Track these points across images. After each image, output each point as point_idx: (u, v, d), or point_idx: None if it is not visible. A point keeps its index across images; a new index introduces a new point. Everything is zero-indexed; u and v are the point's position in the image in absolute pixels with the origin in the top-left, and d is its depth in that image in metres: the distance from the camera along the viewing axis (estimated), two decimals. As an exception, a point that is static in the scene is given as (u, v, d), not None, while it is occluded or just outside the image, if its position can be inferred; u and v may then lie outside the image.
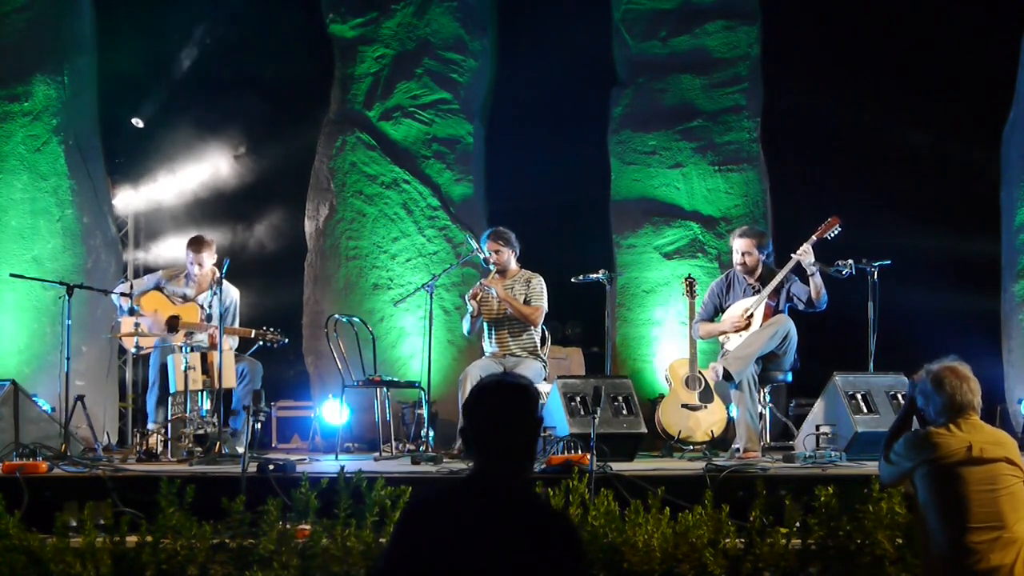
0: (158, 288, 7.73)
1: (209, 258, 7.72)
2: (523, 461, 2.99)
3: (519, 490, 2.94)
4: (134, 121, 9.76)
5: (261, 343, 7.53)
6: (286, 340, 7.64)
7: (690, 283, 7.62)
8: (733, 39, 9.13)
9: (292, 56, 9.72)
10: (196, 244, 7.76)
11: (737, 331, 7.13)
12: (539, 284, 7.61)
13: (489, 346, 7.68)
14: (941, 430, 4.09)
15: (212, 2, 9.71)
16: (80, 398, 7.09)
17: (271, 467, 5.71)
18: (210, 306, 7.54)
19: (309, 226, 9.33)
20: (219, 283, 7.30)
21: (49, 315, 8.45)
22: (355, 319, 8.04)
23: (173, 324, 7.53)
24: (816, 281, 6.97)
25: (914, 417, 4.38)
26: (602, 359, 8.16)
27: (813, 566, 4.95)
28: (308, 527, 5.07)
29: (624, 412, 6.83)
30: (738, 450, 6.84)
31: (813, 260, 6.95)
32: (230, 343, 7.53)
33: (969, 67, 8.98)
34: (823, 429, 6.70)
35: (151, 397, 7.57)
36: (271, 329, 7.53)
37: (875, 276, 7.11)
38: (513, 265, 7.69)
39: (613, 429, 6.66)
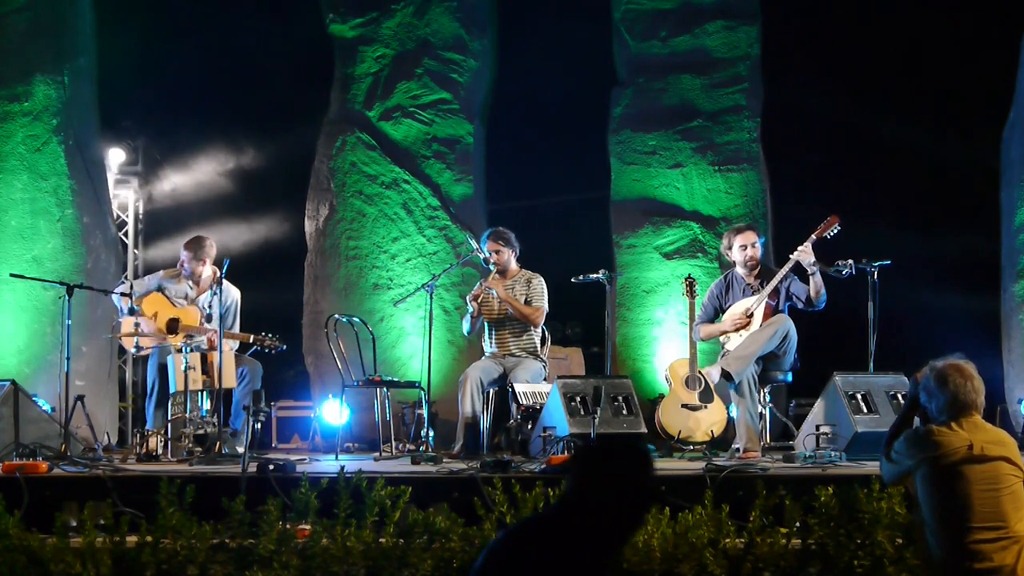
0: (159, 289, 7.72)
1: (210, 259, 7.70)
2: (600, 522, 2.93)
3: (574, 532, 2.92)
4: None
5: (259, 349, 7.52)
6: (284, 347, 7.61)
7: (690, 283, 7.61)
8: (733, 39, 9.14)
9: (292, 56, 9.72)
10: (196, 246, 7.73)
11: (737, 331, 7.13)
12: (540, 284, 7.61)
13: (489, 346, 7.68)
14: (943, 428, 4.07)
15: (211, 2, 9.71)
16: (80, 398, 7.08)
17: (271, 467, 5.71)
18: (210, 306, 7.53)
19: (309, 226, 9.34)
20: (219, 283, 7.30)
21: (49, 315, 8.45)
22: (355, 319, 8.03)
23: (172, 326, 7.52)
24: (816, 280, 6.98)
25: (916, 415, 4.36)
26: (602, 359, 8.16)
27: (813, 566, 4.95)
28: (308, 527, 5.07)
29: (624, 412, 6.83)
30: (738, 450, 6.84)
31: (813, 260, 6.96)
32: (230, 343, 7.53)
33: (969, 67, 8.98)
34: (823, 429, 6.69)
35: (150, 403, 7.53)
36: (270, 335, 7.48)
37: (875, 276, 7.10)
38: (513, 265, 7.69)
39: (613, 429, 6.65)
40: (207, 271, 7.71)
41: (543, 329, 7.69)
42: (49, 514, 5.20)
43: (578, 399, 6.76)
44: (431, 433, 7.39)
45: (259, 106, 9.85)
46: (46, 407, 7.57)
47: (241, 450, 6.64)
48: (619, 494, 2.90)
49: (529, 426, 7.11)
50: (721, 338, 7.30)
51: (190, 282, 7.77)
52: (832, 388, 6.84)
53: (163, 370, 7.34)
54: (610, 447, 3.02)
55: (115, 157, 9.84)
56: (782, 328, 6.97)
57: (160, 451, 6.98)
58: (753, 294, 7.24)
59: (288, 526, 5.05)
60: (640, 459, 2.97)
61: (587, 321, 9.12)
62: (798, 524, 5.03)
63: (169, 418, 7.15)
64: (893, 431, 4.33)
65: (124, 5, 9.50)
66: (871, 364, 7.04)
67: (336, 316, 7.87)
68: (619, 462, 2.95)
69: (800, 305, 7.15)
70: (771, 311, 7.11)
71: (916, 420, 4.38)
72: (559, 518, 2.94)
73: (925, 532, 4.09)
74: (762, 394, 7.09)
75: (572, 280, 7.68)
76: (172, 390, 7.18)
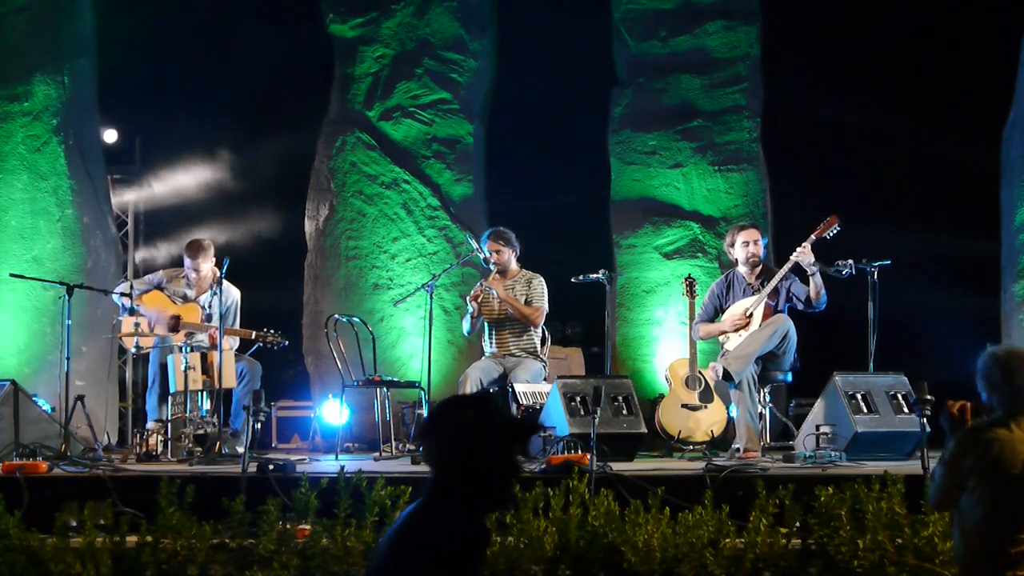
0: (159, 288, 7.73)
1: (206, 262, 7.69)
2: (446, 473, 2.83)
3: (432, 499, 2.84)
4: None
5: (261, 345, 7.53)
6: (286, 343, 7.62)
7: (690, 283, 7.62)
8: (733, 39, 9.13)
9: (292, 56, 9.72)
10: (193, 249, 7.73)
11: (737, 331, 7.13)
12: (540, 285, 7.62)
13: (489, 346, 7.68)
14: (1001, 431, 3.77)
15: (211, 2, 9.71)
16: (80, 398, 7.09)
17: (271, 467, 5.71)
18: (210, 306, 7.54)
19: (309, 226, 9.33)
20: (219, 283, 7.30)
21: (49, 315, 8.46)
22: (355, 319, 8.04)
23: (174, 324, 7.53)
24: (816, 281, 6.98)
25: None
26: (602, 359, 8.16)
27: (813, 566, 4.95)
28: (308, 527, 5.07)
29: (624, 412, 6.82)
30: (738, 450, 6.84)
31: (813, 260, 6.96)
32: (230, 343, 7.53)
33: (969, 67, 8.99)
34: (823, 429, 6.69)
35: (151, 396, 7.56)
36: (272, 331, 7.50)
37: (875, 276, 7.10)
38: (513, 265, 7.69)
39: (613, 429, 6.65)
40: (206, 273, 7.71)
41: (543, 329, 7.68)
42: (49, 514, 5.20)
43: (578, 399, 6.75)
44: (431, 433, 7.37)
45: (259, 106, 9.84)
46: (46, 407, 7.56)
47: (241, 450, 6.64)
48: (477, 445, 2.82)
49: (529, 426, 7.09)
50: (721, 338, 7.30)
51: (190, 283, 7.77)
52: (832, 388, 6.84)
53: (164, 367, 7.35)
54: (445, 410, 2.95)
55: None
56: (782, 328, 6.97)
57: (160, 451, 6.98)
58: (754, 294, 7.24)
59: (288, 526, 5.05)
60: (481, 403, 2.92)
61: (587, 321, 9.13)
62: (798, 524, 5.03)
63: (169, 418, 7.15)
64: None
65: (124, 5, 9.50)
66: (871, 364, 7.03)
67: (336, 316, 7.87)
68: (462, 418, 2.87)
69: (801, 306, 7.15)
70: (771, 311, 7.12)
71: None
72: (434, 496, 2.85)
73: (967, 530, 3.84)
74: (762, 394, 7.09)
75: (572, 280, 7.68)
76: (172, 390, 7.18)
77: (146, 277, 8.00)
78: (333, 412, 7.84)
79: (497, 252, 7.59)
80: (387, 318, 8.95)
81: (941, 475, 3.86)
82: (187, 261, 7.73)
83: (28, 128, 8.77)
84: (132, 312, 7.42)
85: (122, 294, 7.56)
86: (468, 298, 7.61)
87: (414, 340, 8.85)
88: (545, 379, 7.49)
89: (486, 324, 7.66)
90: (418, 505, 2.85)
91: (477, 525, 2.82)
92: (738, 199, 9.02)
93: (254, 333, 7.50)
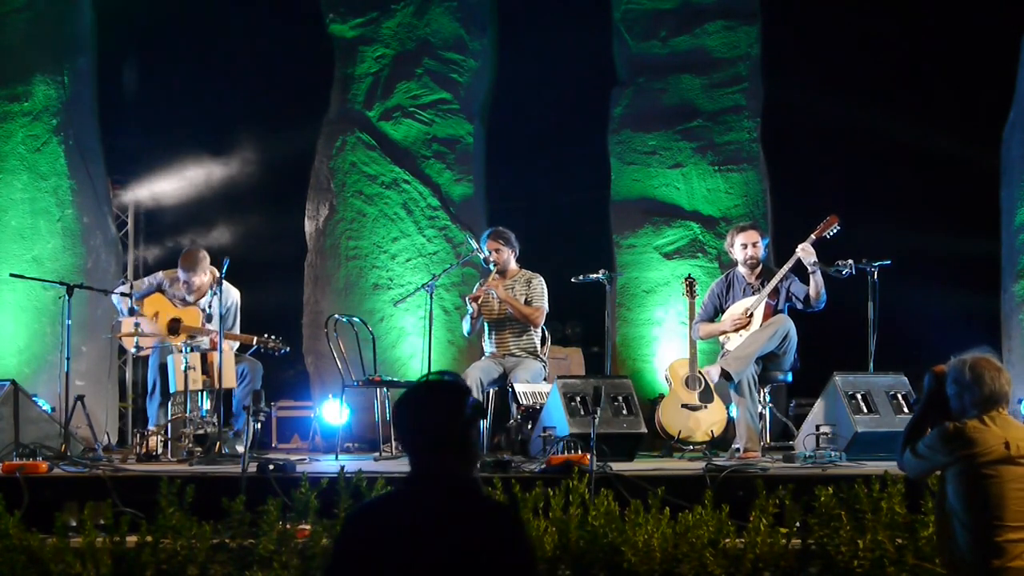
0: (160, 289, 7.71)
1: (202, 275, 7.58)
2: (458, 459, 2.91)
3: (459, 486, 2.89)
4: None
5: (262, 350, 7.51)
6: (287, 348, 7.58)
7: (690, 283, 7.62)
8: (733, 39, 9.13)
9: (292, 56, 9.72)
10: (189, 262, 7.59)
11: (737, 330, 7.14)
12: (540, 285, 7.62)
13: (489, 346, 7.68)
14: (977, 424, 3.95)
15: (211, 2, 9.71)
16: (80, 398, 7.09)
17: (271, 467, 5.71)
18: (210, 307, 7.53)
19: (309, 226, 9.33)
20: (219, 283, 7.28)
21: (49, 315, 8.46)
22: (355, 319, 8.04)
23: (174, 327, 7.51)
24: (816, 280, 6.99)
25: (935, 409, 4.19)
26: (602, 359, 8.16)
27: (813, 566, 4.95)
28: (308, 527, 5.08)
29: (624, 412, 6.83)
30: (738, 450, 6.84)
31: (814, 259, 6.97)
32: (231, 343, 7.52)
33: (969, 67, 8.99)
34: (823, 429, 6.70)
35: (152, 402, 7.51)
36: (273, 337, 7.44)
37: (875, 276, 7.11)
38: (513, 265, 7.69)
39: (613, 429, 6.66)
40: (203, 282, 7.64)
41: (543, 329, 7.69)
42: (49, 514, 5.21)
43: (578, 399, 6.76)
44: (431, 433, 7.36)
45: (259, 106, 9.84)
46: (46, 407, 7.57)
47: (241, 450, 6.64)
48: (457, 423, 2.91)
49: (529, 426, 7.11)
50: (721, 338, 7.30)
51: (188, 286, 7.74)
52: (832, 388, 6.85)
53: (164, 369, 7.33)
54: (421, 394, 2.98)
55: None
56: (782, 328, 6.98)
57: (160, 451, 6.98)
58: (754, 293, 7.25)
59: (288, 526, 5.05)
60: (453, 386, 2.97)
61: (587, 321, 9.13)
62: (798, 524, 5.03)
63: (169, 418, 7.15)
64: (913, 425, 4.20)
65: (124, 5, 9.49)
66: (871, 364, 7.04)
67: (336, 316, 7.87)
68: (443, 400, 2.93)
69: (800, 305, 7.16)
70: (771, 311, 7.12)
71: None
72: (415, 483, 2.93)
73: (954, 526, 3.98)
74: (762, 394, 7.09)
75: (572, 280, 7.68)
76: (172, 390, 7.18)
77: (146, 279, 7.97)
78: (333, 412, 7.85)
79: (496, 252, 7.59)
80: (387, 318, 8.95)
81: (923, 457, 4.08)
82: (182, 274, 7.61)
83: (28, 128, 8.77)
84: (132, 312, 7.41)
85: (122, 294, 7.55)
86: (468, 298, 7.62)
87: (414, 340, 8.85)
88: (545, 379, 7.49)
89: (486, 324, 7.66)
90: (428, 501, 2.87)
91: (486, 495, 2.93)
92: (738, 199, 9.02)
93: (255, 338, 7.47)
